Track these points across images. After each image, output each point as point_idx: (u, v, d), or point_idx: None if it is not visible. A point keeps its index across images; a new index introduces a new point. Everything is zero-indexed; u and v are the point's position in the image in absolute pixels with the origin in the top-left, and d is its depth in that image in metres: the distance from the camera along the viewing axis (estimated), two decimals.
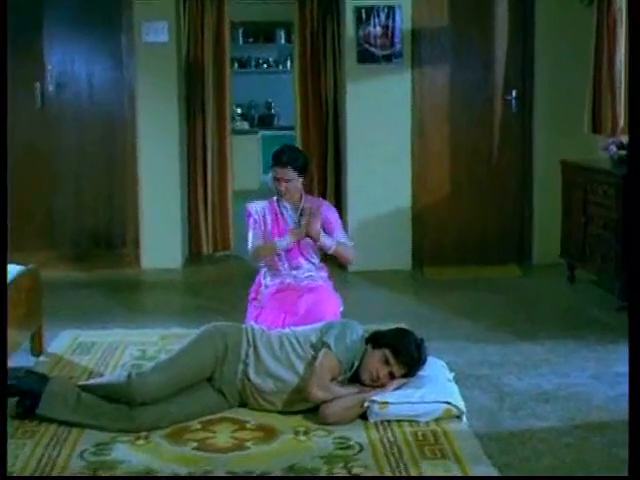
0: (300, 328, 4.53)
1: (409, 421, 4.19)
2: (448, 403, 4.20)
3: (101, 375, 4.87)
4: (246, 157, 13.17)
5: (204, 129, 8.44)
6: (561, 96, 7.82)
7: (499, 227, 8.09)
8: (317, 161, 8.48)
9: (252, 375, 4.27)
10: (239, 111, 14.10)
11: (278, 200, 5.44)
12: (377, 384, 4.27)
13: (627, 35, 6.80)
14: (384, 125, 7.75)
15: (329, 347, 4.27)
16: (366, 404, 4.19)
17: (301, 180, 5.39)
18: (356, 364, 4.32)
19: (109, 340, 5.59)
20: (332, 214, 5.47)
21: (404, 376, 4.30)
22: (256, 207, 5.45)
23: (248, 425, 4.18)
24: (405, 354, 4.28)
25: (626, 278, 6.01)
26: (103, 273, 7.77)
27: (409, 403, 4.19)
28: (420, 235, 7.97)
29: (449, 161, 8.01)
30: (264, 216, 5.43)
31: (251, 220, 5.42)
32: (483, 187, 8.05)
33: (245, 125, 14.04)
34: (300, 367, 4.27)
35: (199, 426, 4.17)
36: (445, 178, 8.03)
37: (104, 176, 8.10)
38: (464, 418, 4.20)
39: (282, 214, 5.42)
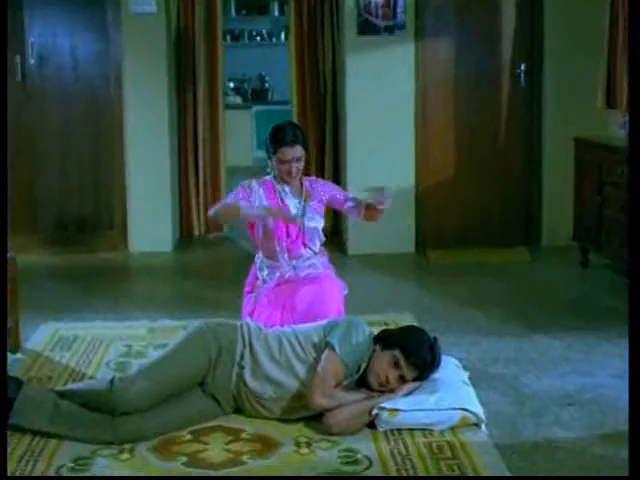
0: (301, 326, 4.12)
1: (422, 430, 3.80)
2: (465, 410, 3.81)
3: (83, 375, 4.48)
4: (239, 133, 12.82)
5: (195, 104, 8.07)
6: (573, 69, 7.39)
7: (505, 208, 7.69)
8: (314, 139, 8.10)
9: (248, 379, 3.87)
10: (231, 85, 13.68)
11: (275, 182, 4.82)
12: (386, 389, 3.88)
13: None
14: (385, 101, 7.34)
15: (333, 348, 3.87)
16: (374, 411, 3.80)
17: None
18: (363, 366, 3.92)
19: (92, 334, 5.19)
20: (329, 186, 4.99)
21: (416, 380, 3.91)
22: (251, 182, 4.80)
23: (244, 435, 3.78)
24: (417, 356, 3.88)
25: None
26: (88, 258, 7.36)
27: (422, 410, 3.80)
28: (423, 217, 7.57)
29: (453, 139, 7.61)
30: (259, 193, 4.76)
31: (239, 189, 4.78)
32: (489, 166, 7.65)
33: (238, 100, 13.63)
34: (301, 371, 3.87)
35: (189, 437, 3.77)
36: (449, 157, 7.63)
37: (89, 155, 7.65)
38: (483, 426, 3.81)
39: (281, 198, 4.78)
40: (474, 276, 6.74)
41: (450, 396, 3.85)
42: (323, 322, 4.10)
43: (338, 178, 8.02)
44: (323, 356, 3.87)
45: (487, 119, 7.61)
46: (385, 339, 3.97)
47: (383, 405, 3.79)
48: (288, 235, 4.77)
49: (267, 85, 13.90)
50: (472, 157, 7.62)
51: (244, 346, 3.92)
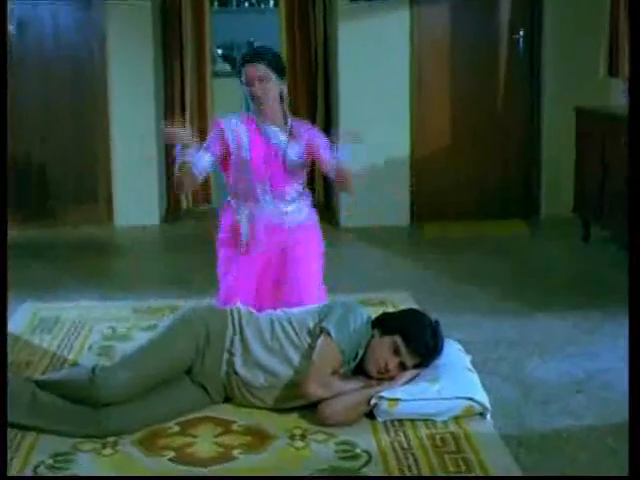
0: (295, 310, 3.86)
1: (424, 420, 3.58)
2: (469, 399, 3.59)
3: (64, 361, 4.25)
4: (228, 101, 12.42)
5: (182, 72, 7.79)
6: (574, 35, 7.14)
7: (503, 180, 7.47)
8: (305, 109, 7.81)
9: (239, 367, 3.64)
10: (220, 52, 13.35)
11: (257, 120, 4.26)
12: (386, 376, 3.65)
13: None
14: (379, 69, 7.08)
15: (329, 334, 3.64)
16: (373, 401, 3.57)
17: (281, 86, 4.26)
18: (361, 353, 3.70)
19: (75, 315, 4.95)
20: (315, 132, 4.41)
21: (417, 366, 3.68)
22: (230, 121, 4.28)
23: (234, 427, 3.55)
24: (418, 343, 3.66)
25: None
26: (71, 233, 7.11)
27: (424, 400, 3.57)
28: (418, 188, 7.33)
29: (450, 107, 7.37)
30: (238, 135, 4.24)
31: (212, 134, 4.30)
32: (486, 136, 7.43)
33: (227, 67, 13.28)
34: (295, 358, 3.64)
35: (177, 428, 3.54)
36: (445, 126, 7.39)
37: (72, 126, 7.36)
38: (488, 416, 3.59)
39: (264, 136, 4.25)
40: (471, 250, 6.52)
41: (453, 384, 3.63)
42: (317, 306, 3.87)
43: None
44: (318, 342, 3.65)
45: (485, 87, 7.38)
46: (384, 324, 3.75)
47: (382, 394, 3.57)
48: (269, 166, 4.27)
49: None
50: (469, 126, 7.38)
51: (234, 332, 3.69)
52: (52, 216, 7.27)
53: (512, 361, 4.28)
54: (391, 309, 4.98)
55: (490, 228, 7.13)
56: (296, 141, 4.26)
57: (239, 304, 3.89)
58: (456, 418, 3.58)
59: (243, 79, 4.18)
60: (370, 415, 3.60)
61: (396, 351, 3.64)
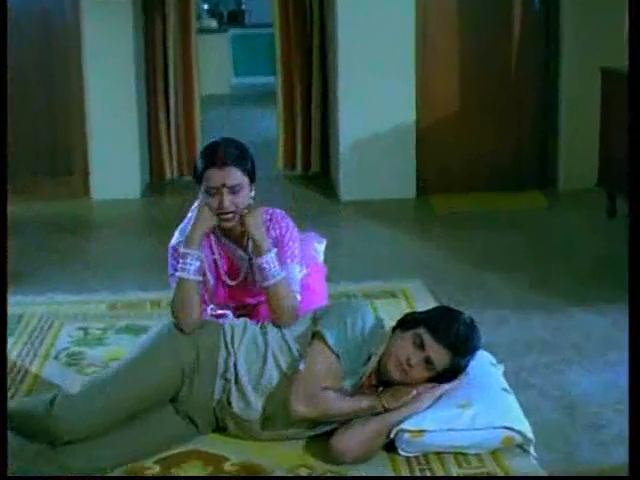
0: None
1: (454, 454, 2.98)
2: (509, 429, 2.98)
3: (24, 375, 3.62)
4: (214, 59, 11.88)
5: (164, 28, 7.15)
6: None
7: (517, 147, 6.83)
8: (299, 70, 7.20)
9: (234, 398, 3.03)
10: (205, 7, 12.70)
11: (215, 232, 3.32)
12: (408, 377, 3.03)
13: None
14: (382, 29, 6.39)
15: (322, 338, 3.02)
16: (393, 432, 2.97)
17: (252, 192, 3.28)
18: (374, 359, 3.08)
19: (42, 311, 4.34)
20: (285, 231, 3.32)
21: (448, 372, 3.05)
22: (179, 243, 3.28)
23: (227, 465, 2.95)
24: (446, 330, 3.02)
25: None
26: (44, 209, 6.46)
27: (454, 431, 2.97)
28: (425, 158, 6.68)
29: (459, 71, 6.72)
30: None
31: (173, 262, 3.31)
32: (499, 100, 6.77)
33: (213, 23, 12.69)
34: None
35: (157, 468, 2.93)
36: (454, 91, 6.73)
37: (43, 90, 6.70)
38: (532, 449, 2.99)
39: (229, 253, 3.37)
40: (485, 228, 5.89)
41: (489, 410, 3.02)
42: (312, 310, 3.25)
43: (327, 120, 7.11)
44: (309, 349, 3.04)
45: (497, 48, 6.71)
46: (407, 321, 3.14)
47: (404, 427, 2.95)
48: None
49: (244, 7, 12.97)
50: (480, 91, 6.73)
51: (228, 353, 3.07)
52: (23, 191, 6.54)
53: (548, 370, 3.68)
54: (403, 303, 4.40)
55: (504, 201, 6.51)
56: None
57: (231, 317, 3.27)
58: (493, 451, 2.99)
59: (205, 183, 3.17)
60: (389, 445, 3.00)
61: (420, 345, 3.02)
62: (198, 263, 3.16)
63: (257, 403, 3.01)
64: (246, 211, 3.19)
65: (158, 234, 5.92)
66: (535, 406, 3.32)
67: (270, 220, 3.30)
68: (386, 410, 2.99)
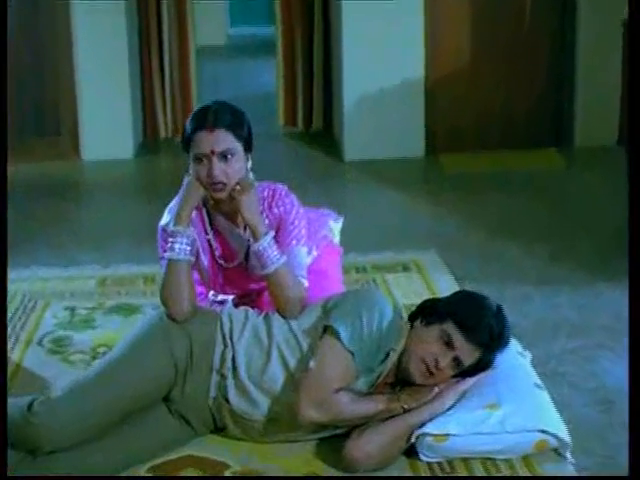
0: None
1: (482, 460, 2.67)
2: (543, 432, 2.66)
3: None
4: (209, 7, 11.36)
5: None
6: None
7: (532, 102, 6.42)
8: (300, 20, 6.77)
9: (232, 395, 2.71)
10: None
11: (207, 208, 2.97)
12: (436, 380, 2.71)
13: None
14: None
15: (335, 333, 2.69)
16: (414, 436, 2.65)
17: (247, 162, 2.90)
18: (392, 356, 2.75)
19: (25, 289, 4.01)
20: (289, 209, 2.96)
21: (476, 368, 2.74)
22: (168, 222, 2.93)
23: (227, 473, 2.64)
24: (479, 327, 2.69)
25: None
26: (29, 171, 6.08)
27: (481, 434, 2.65)
28: (434, 114, 6.30)
29: (470, 20, 6.30)
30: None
31: (162, 244, 2.93)
32: (512, 52, 6.35)
33: None
34: (298, 374, 2.71)
35: (149, 475, 2.62)
36: (465, 42, 6.32)
37: (29, 46, 6.38)
38: (568, 454, 2.67)
39: (221, 233, 3.01)
40: (500, 190, 5.54)
41: (520, 411, 2.70)
42: (323, 298, 2.90)
43: (330, 74, 6.72)
44: (319, 344, 2.71)
45: None
46: (428, 311, 2.80)
47: (427, 430, 2.64)
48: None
49: None
50: (492, 42, 6.32)
51: (225, 346, 2.74)
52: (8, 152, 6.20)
53: (579, 357, 3.36)
54: (417, 277, 4.07)
55: (518, 161, 6.14)
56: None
57: (230, 304, 2.93)
58: (524, 456, 2.67)
59: (194, 149, 2.82)
60: (409, 450, 2.68)
61: (448, 343, 2.69)
62: (189, 243, 2.82)
63: (263, 402, 2.69)
64: (238, 187, 2.83)
65: (153, 199, 5.58)
66: (567, 401, 3.00)
67: (272, 197, 2.95)
68: (405, 412, 2.68)
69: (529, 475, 2.61)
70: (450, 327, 2.70)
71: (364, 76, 6.12)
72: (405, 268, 4.18)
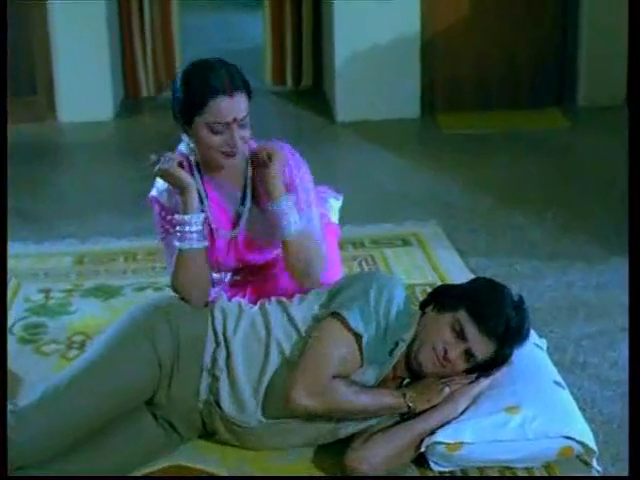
0: (297, 299, 2.60)
1: (500, 468, 2.40)
2: (568, 438, 2.39)
3: None
4: None
5: None
6: None
7: (534, 58, 6.10)
8: None
9: (225, 399, 2.42)
10: None
11: (199, 169, 2.67)
12: (446, 370, 2.43)
13: None
14: None
15: (337, 314, 2.41)
16: (425, 445, 2.38)
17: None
18: (402, 346, 2.47)
19: None
20: (297, 169, 2.71)
21: (492, 365, 2.46)
22: (167, 189, 2.65)
23: None
24: (493, 316, 2.41)
25: None
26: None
27: (499, 442, 2.38)
28: (431, 71, 5.99)
29: None
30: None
31: (160, 211, 2.69)
32: (513, 5, 6.01)
33: None
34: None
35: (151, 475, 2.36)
36: None
37: None
38: (594, 462, 2.41)
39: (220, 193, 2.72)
40: (502, 152, 5.25)
41: (542, 415, 2.42)
42: (327, 286, 2.62)
43: (320, 27, 6.37)
44: (320, 326, 2.43)
45: None
46: (441, 298, 2.52)
47: (440, 439, 2.36)
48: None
49: None
50: None
51: (217, 344, 2.45)
52: None
53: (598, 343, 3.09)
54: (418, 253, 3.79)
55: (519, 120, 5.85)
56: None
57: (223, 297, 2.64)
58: (547, 465, 2.41)
59: (210, 119, 2.52)
60: (419, 458, 2.41)
61: (460, 334, 2.41)
62: (201, 227, 2.56)
63: (256, 408, 2.40)
64: (265, 152, 2.59)
65: (135, 163, 5.27)
66: (589, 398, 2.75)
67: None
68: (411, 411, 2.40)
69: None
70: (463, 316, 2.42)
71: (356, 30, 5.79)
72: (405, 242, 3.89)
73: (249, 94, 2.57)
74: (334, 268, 2.89)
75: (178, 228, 2.55)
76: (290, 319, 2.50)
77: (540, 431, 2.38)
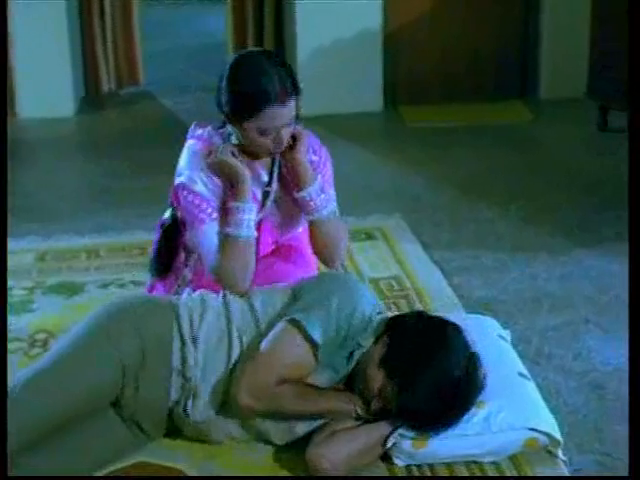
0: (261, 292, 2.58)
1: (466, 463, 2.40)
2: (533, 430, 2.40)
3: None
4: None
5: None
6: None
7: (497, 50, 6.11)
8: None
9: (192, 409, 2.40)
10: None
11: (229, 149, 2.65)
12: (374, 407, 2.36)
13: None
14: None
15: (298, 324, 2.37)
16: (391, 442, 2.36)
17: None
18: (359, 352, 2.41)
19: None
20: (319, 148, 2.85)
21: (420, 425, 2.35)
22: (199, 176, 2.64)
23: None
24: (427, 423, 2.32)
25: None
26: None
27: (465, 436, 2.38)
28: (395, 65, 5.98)
29: None
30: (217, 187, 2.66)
31: (194, 199, 2.64)
32: None
33: None
34: None
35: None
36: None
37: None
38: (560, 452, 2.42)
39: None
40: (466, 145, 5.26)
41: (507, 407, 2.42)
42: (295, 282, 2.60)
43: (282, 23, 6.34)
44: (277, 329, 2.40)
45: None
46: (394, 327, 2.43)
47: (404, 433, 2.35)
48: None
49: None
50: None
51: (183, 343, 2.42)
52: None
53: (563, 334, 3.10)
54: (383, 246, 3.78)
55: (483, 113, 5.86)
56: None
57: (186, 295, 2.61)
58: (513, 457, 2.41)
59: (260, 124, 2.52)
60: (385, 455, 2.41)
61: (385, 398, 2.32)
62: (254, 215, 2.60)
63: (211, 402, 2.39)
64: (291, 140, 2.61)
65: (97, 159, 5.26)
66: (555, 389, 2.75)
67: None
68: (360, 418, 2.37)
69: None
70: (392, 386, 2.29)
71: (319, 25, 5.77)
72: (369, 236, 3.88)
73: (298, 93, 2.57)
74: (311, 264, 2.89)
75: (234, 216, 2.55)
76: (253, 311, 2.48)
77: (505, 423, 2.39)
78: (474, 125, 5.60)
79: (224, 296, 2.54)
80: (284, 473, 2.37)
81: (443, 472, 2.37)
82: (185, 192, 2.64)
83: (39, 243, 3.89)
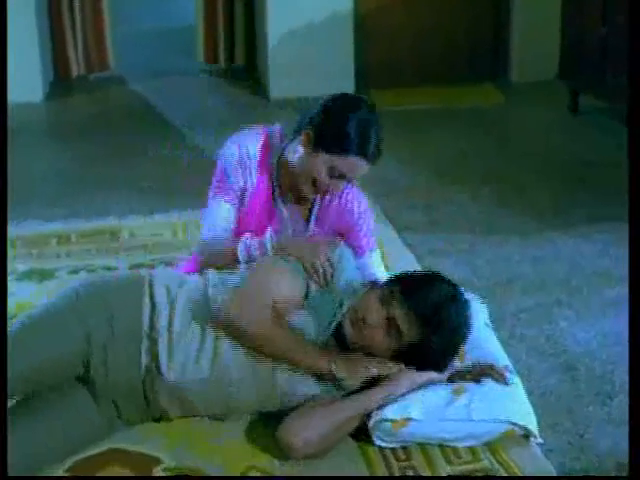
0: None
1: (442, 448, 2.39)
2: (512, 423, 2.39)
3: None
4: None
5: None
6: None
7: (469, 34, 6.13)
8: None
9: (164, 364, 2.37)
10: None
11: (274, 185, 2.77)
12: (364, 341, 2.41)
13: None
14: None
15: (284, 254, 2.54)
16: (372, 422, 2.36)
17: None
18: (345, 307, 2.46)
19: None
20: (361, 214, 2.86)
21: (421, 358, 2.43)
22: (248, 152, 2.75)
23: (157, 470, 2.31)
24: (424, 297, 2.38)
25: None
26: None
27: (446, 421, 2.37)
28: (366, 47, 5.97)
29: None
30: (245, 190, 2.77)
31: (223, 172, 2.76)
32: None
33: None
34: None
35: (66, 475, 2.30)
36: None
37: None
38: (535, 440, 2.41)
39: (276, 206, 2.80)
40: (439, 128, 5.26)
41: (487, 398, 2.40)
42: None
43: (253, 5, 6.31)
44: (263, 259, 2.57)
45: None
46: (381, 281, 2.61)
47: (388, 416, 2.35)
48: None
49: None
50: None
51: (152, 308, 2.41)
52: None
53: (536, 316, 3.11)
54: None
55: (457, 96, 5.85)
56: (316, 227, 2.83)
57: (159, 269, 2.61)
58: (490, 444, 2.41)
59: (339, 165, 2.61)
60: (357, 432, 2.40)
61: (385, 301, 2.39)
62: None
63: (202, 361, 2.37)
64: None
65: (66, 145, 5.21)
66: (530, 370, 2.76)
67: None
68: (334, 379, 2.38)
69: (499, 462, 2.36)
70: (395, 289, 2.40)
71: (290, 8, 5.75)
72: None
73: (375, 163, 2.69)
74: None
75: (246, 246, 2.64)
76: (224, 281, 2.49)
77: (485, 414, 2.37)
78: (447, 108, 5.61)
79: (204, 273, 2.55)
80: (262, 459, 2.34)
81: (418, 454, 2.37)
82: (221, 161, 2.74)
83: (10, 229, 3.84)
